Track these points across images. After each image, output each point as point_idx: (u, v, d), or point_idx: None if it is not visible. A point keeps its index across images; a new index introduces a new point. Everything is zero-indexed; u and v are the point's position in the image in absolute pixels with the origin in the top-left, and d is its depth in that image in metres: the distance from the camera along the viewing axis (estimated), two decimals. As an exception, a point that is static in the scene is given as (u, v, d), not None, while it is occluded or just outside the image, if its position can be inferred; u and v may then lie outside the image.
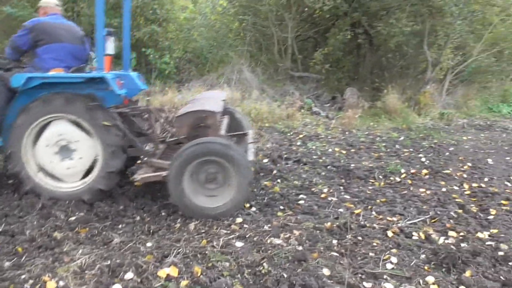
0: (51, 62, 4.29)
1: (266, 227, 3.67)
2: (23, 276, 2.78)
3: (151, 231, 3.60)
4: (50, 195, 4.06)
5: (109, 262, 2.97)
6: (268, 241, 3.38)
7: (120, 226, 3.69)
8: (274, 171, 5.49)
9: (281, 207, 4.26)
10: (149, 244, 3.32)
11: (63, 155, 4.06)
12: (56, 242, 3.28)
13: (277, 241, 3.39)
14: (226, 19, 13.55)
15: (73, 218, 3.73)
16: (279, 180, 5.16)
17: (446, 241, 3.55)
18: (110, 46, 4.56)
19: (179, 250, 3.17)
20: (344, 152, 6.77)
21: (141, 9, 11.90)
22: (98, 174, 4.07)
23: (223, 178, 3.88)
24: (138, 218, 3.86)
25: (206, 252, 3.14)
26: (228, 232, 3.57)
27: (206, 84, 10.58)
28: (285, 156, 6.23)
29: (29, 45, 4.31)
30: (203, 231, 3.60)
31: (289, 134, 7.81)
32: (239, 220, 3.83)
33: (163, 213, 4.04)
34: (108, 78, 3.98)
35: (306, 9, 11.81)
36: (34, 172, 4.10)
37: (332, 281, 2.83)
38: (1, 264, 2.93)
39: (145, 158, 4.29)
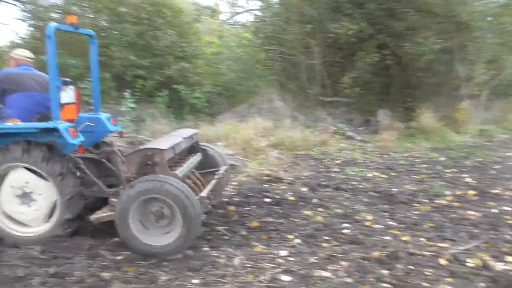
0: (18, 111, 4.41)
1: (312, 259, 3.59)
2: (75, 320, 2.79)
3: (196, 267, 3.57)
4: (14, 241, 4.11)
5: (158, 301, 2.95)
6: (316, 274, 3.29)
7: (165, 263, 3.68)
8: (314, 200, 5.41)
9: (326, 237, 4.16)
10: (195, 281, 3.29)
11: (24, 201, 4.14)
12: (105, 282, 3.30)
13: (325, 273, 3.30)
14: (252, 50, 13.80)
15: (119, 257, 3.75)
16: (320, 209, 5.07)
17: (505, 268, 3.36)
18: (70, 95, 4.55)
19: (226, 286, 3.12)
20: (384, 176, 6.62)
21: (170, 48, 12.28)
22: (56, 220, 4.11)
23: (171, 215, 3.85)
24: (181, 255, 3.84)
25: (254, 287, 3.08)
26: (274, 266, 3.51)
27: (237, 115, 10.69)
28: (324, 183, 6.15)
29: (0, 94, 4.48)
30: (248, 265, 3.54)
31: (325, 161, 7.73)
32: (283, 253, 3.76)
33: (205, 248, 4.01)
34: (60, 128, 4.01)
35: (331, 34, 11.89)
36: (5, 223, 4.19)
37: (388, 315, 2.71)
38: (53, 308, 2.97)
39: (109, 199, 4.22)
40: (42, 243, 4.03)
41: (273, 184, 6.26)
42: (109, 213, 3.98)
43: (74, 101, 4.58)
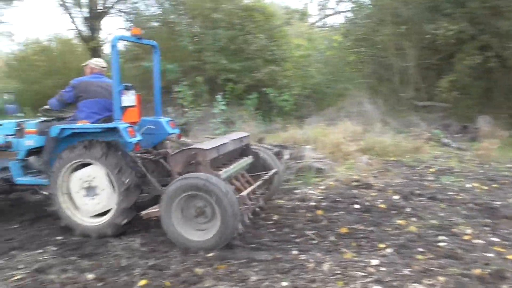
0: (88, 114, 4.92)
1: (405, 271, 3.42)
2: (172, 310, 2.95)
3: (285, 270, 3.59)
4: (80, 230, 4.60)
5: (247, 300, 3.02)
6: (410, 287, 3.14)
7: (254, 263, 3.75)
8: (407, 209, 5.16)
9: (420, 249, 3.95)
10: (284, 284, 3.31)
11: (89, 194, 4.60)
12: (197, 277, 3.45)
13: (420, 287, 3.13)
14: (342, 53, 13.57)
15: (211, 254, 3.90)
16: (413, 219, 4.82)
17: None
18: (131, 99, 4.83)
19: (316, 291, 3.10)
20: (485, 187, 6.11)
21: (260, 51, 12.53)
22: (115, 210, 4.48)
23: (211, 213, 4.00)
24: (270, 256, 3.88)
25: (344, 295, 3.02)
26: (365, 274, 3.40)
27: (325, 119, 10.58)
28: (417, 192, 5.84)
29: (72, 100, 5.01)
30: (338, 272, 3.48)
31: (418, 168, 7.34)
32: (374, 262, 3.64)
33: (294, 252, 4.01)
34: (120, 128, 4.43)
35: (428, 35, 11.28)
36: (70, 209, 4.67)
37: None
38: (153, 297, 3.17)
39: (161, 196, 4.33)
40: (142, 237, 4.38)
41: (362, 190, 6.09)
42: (157, 209, 4.20)
43: (134, 104, 4.90)
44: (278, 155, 7.44)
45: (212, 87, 12.31)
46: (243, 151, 5.35)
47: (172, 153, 4.57)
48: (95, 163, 4.52)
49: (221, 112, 10.23)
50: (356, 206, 5.35)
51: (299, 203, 5.66)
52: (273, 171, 5.27)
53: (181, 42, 11.70)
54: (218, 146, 4.59)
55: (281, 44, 13.30)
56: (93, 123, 4.88)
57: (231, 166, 4.68)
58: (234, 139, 5.08)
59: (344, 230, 4.52)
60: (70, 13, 14.95)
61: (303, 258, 3.84)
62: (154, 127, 5.18)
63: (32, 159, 5.14)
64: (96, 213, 4.65)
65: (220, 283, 3.37)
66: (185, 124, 11.06)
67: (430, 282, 3.21)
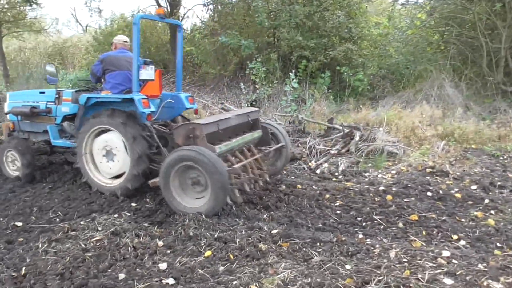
0: (113, 85, 5.42)
1: (480, 266, 3.21)
2: (234, 282, 3.03)
3: (349, 253, 3.53)
4: (97, 188, 5.21)
5: (309, 280, 3.01)
6: (485, 284, 2.94)
7: (318, 244, 3.72)
8: (486, 200, 4.82)
9: (498, 244, 3.69)
10: (348, 267, 3.25)
11: (108, 157, 5.14)
12: (261, 253, 3.50)
13: (497, 285, 2.92)
14: (424, 32, 12.76)
15: (275, 231, 3.93)
16: (492, 212, 4.51)
17: None
18: (150, 73, 5.16)
19: (380, 277, 3.01)
20: None
21: (336, 29, 12.15)
22: (127, 175, 4.93)
23: (205, 183, 4.29)
24: (334, 238, 3.83)
25: (411, 285, 2.91)
26: (434, 265, 3.24)
27: (401, 101, 10.09)
28: (499, 183, 5.42)
29: (100, 72, 5.56)
30: (405, 260, 3.35)
31: (502, 158, 6.79)
32: (446, 253, 3.45)
33: (360, 235, 3.93)
34: (135, 99, 4.86)
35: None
36: (90, 169, 5.27)
37: None
38: (216, 268, 3.27)
39: None
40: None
41: (437, 177, 5.77)
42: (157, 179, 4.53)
43: (153, 78, 5.25)
44: (349, 135, 7.28)
45: (285, 65, 12.20)
46: (252, 125, 5.58)
47: (175, 127, 4.85)
48: (115, 131, 5.00)
49: (292, 90, 10.13)
50: (429, 193, 5.10)
51: (368, 186, 5.52)
52: (279, 145, 5.61)
53: (257, 18, 11.65)
54: (217, 121, 4.88)
55: (359, 22, 12.78)
56: (116, 93, 5.34)
57: (233, 140, 5.00)
58: (239, 114, 5.38)
59: (414, 217, 4.34)
60: (152, -11, 15.48)
61: (368, 242, 3.75)
62: (173, 101, 5.63)
63: (66, 124, 5.72)
64: (112, 175, 5.19)
65: (283, 260, 3.39)
66: (255, 100, 11.12)
67: (509, 280, 2.98)
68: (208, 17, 14.95)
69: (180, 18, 15.69)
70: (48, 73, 5.71)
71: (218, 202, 4.22)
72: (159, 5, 15.80)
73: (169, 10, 15.61)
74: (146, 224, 4.20)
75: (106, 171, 5.22)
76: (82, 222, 4.21)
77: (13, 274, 3.20)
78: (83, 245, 3.67)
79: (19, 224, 4.31)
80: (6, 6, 16.68)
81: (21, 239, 3.95)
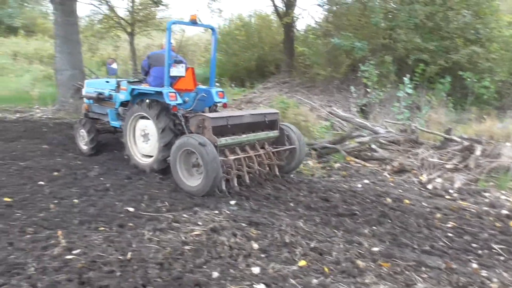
0: (153, 79, 6.33)
1: None
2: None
3: (460, 284, 3.15)
4: (139, 166, 6.20)
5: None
6: None
7: (423, 268, 3.39)
8: None
9: None
10: (456, 300, 2.90)
11: (144, 139, 6.15)
12: (358, 270, 3.29)
13: None
14: None
15: (375, 248, 3.68)
16: None
17: None
18: (180, 70, 6.02)
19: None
20: None
21: (461, 30, 11.16)
22: (154, 157, 5.93)
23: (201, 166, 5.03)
24: (444, 265, 3.46)
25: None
26: None
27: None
28: None
29: (147, 67, 6.50)
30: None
31: None
32: None
33: (474, 265, 3.50)
34: (163, 92, 5.67)
35: None
36: (131, 145, 6.34)
37: None
38: (309, 280, 3.15)
39: None
40: (304, 216, 4.46)
41: None
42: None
43: (183, 74, 6.08)
44: (468, 149, 6.60)
45: (400, 68, 11.54)
46: (269, 125, 6.09)
47: (190, 117, 5.55)
48: (150, 118, 5.91)
49: (406, 96, 9.51)
50: None
51: (488, 208, 4.94)
52: (289, 147, 6.07)
53: (373, 18, 11.18)
54: (227, 116, 5.59)
55: (488, 22, 11.56)
56: (154, 86, 6.19)
57: (243, 136, 5.64)
58: (254, 114, 6.06)
59: (544, 251, 3.75)
60: (269, -11, 15.73)
61: (484, 274, 3.33)
62: (206, 95, 6.43)
63: (121, 108, 6.70)
64: (144, 154, 6.25)
65: (382, 282, 3.15)
66: (365, 105, 10.68)
67: None
68: (322, 18, 14.77)
69: (295, 18, 15.73)
70: (109, 67, 7.07)
71: (208, 185, 4.97)
72: (275, 6, 16.03)
73: (284, 10, 15.76)
74: (243, 224, 4.22)
75: (141, 150, 6.31)
76: (185, 215, 4.39)
77: (120, 257, 3.43)
78: (183, 238, 3.81)
79: (131, 209, 4.62)
80: (140, 7, 18.29)
81: (130, 224, 4.22)
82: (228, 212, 4.55)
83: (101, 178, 5.78)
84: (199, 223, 4.16)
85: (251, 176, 5.61)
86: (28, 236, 3.81)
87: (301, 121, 8.90)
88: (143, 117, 6.15)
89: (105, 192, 5.18)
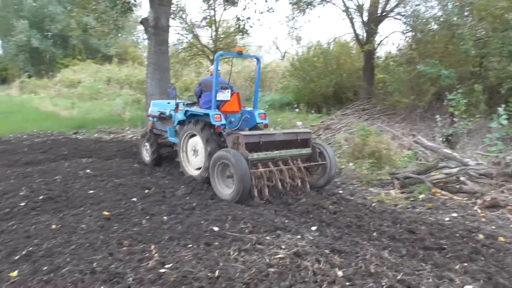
0: (204, 102, 7.23)
1: None
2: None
3: None
4: (187, 175, 7.23)
5: None
6: None
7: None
8: None
9: None
10: None
11: (194, 154, 7.14)
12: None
13: None
14: None
15: (469, 286, 3.48)
16: None
17: None
18: (226, 95, 6.93)
19: None
20: None
21: None
22: (203, 167, 6.77)
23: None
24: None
25: None
26: None
27: None
28: None
29: (199, 93, 7.50)
30: None
31: None
32: None
33: None
34: (210, 114, 6.59)
35: None
36: (185, 161, 7.38)
37: None
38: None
39: None
40: (390, 247, 4.33)
41: None
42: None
43: (228, 99, 6.99)
44: None
45: (491, 97, 10.90)
46: (302, 143, 6.80)
47: (227, 134, 6.42)
48: (198, 135, 6.86)
49: (500, 127, 8.92)
50: None
51: None
52: (319, 163, 6.81)
53: (462, 46, 10.74)
54: (260, 134, 6.42)
55: None
56: (204, 108, 7.04)
57: (275, 152, 6.40)
58: (286, 133, 6.81)
59: None
60: (350, 18, 15.79)
61: None
62: (249, 116, 7.30)
63: (178, 127, 7.67)
64: (196, 168, 7.13)
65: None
66: (451, 135, 10.18)
67: None
68: (405, 45, 14.47)
69: (376, 45, 15.58)
70: (170, 90, 7.93)
71: (239, 193, 5.73)
72: (355, 33, 16.01)
73: (365, 37, 15.68)
74: (327, 251, 4.20)
75: (193, 164, 7.22)
76: (268, 237, 4.46)
77: (209, 274, 3.57)
78: (267, 260, 3.87)
79: (216, 229, 4.80)
80: (222, 35, 19.24)
81: (216, 243, 4.38)
82: (311, 238, 4.55)
83: (187, 198, 6.08)
84: (283, 246, 4.20)
85: (279, 187, 6.30)
86: (124, 248, 4.10)
87: (382, 150, 8.71)
88: (193, 135, 7.13)
89: (191, 211, 5.43)
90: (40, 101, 22.40)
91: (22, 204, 5.50)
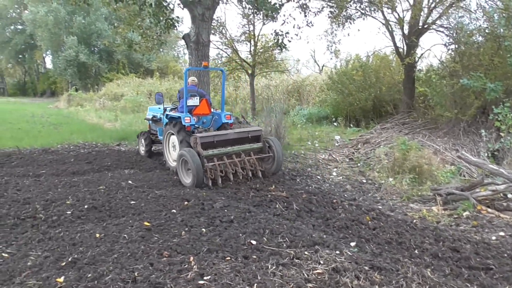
0: (181, 107, 8.85)
1: None
2: None
3: None
4: (169, 166, 9.20)
5: None
6: None
7: None
8: None
9: None
10: None
11: (173, 149, 8.97)
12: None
13: None
14: None
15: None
16: None
17: None
18: (195, 101, 8.75)
19: None
20: None
21: None
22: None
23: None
24: None
25: None
26: None
27: None
28: None
29: (179, 98, 9.28)
30: None
31: None
32: None
33: None
34: (181, 116, 8.34)
35: None
36: (167, 155, 9.34)
37: None
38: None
39: None
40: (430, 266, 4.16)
41: None
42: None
43: (197, 104, 8.75)
44: None
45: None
46: (253, 139, 8.53)
47: (191, 136, 8.05)
48: (175, 134, 8.57)
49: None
50: None
51: None
52: (267, 155, 8.54)
53: (509, 58, 10.36)
54: (214, 135, 8.09)
55: None
56: (181, 112, 8.65)
57: (228, 148, 8.10)
58: (239, 132, 8.43)
59: None
60: (391, 31, 15.56)
61: None
62: (217, 117, 9.00)
63: (165, 128, 9.31)
64: (173, 160, 8.91)
65: None
66: (498, 150, 9.78)
67: None
68: (447, 58, 14.09)
69: (417, 58, 15.26)
70: (157, 97, 9.55)
71: (195, 182, 7.42)
72: (395, 46, 15.78)
73: (405, 50, 15.41)
74: (366, 268, 4.12)
75: (172, 157, 9.08)
76: (306, 252, 4.43)
77: (247, 287, 3.59)
78: (305, 275, 3.85)
79: (254, 242, 4.82)
80: (261, 50, 19.42)
81: (254, 256, 4.40)
82: (350, 254, 4.48)
83: (225, 210, 6.13)
84: (321, 261, 4.16)
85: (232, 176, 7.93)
86: (164, 258, 4.19)
87: (423, 164, 8.49)
88: (172, 134, 8.86)
89: (229, 224, 5.47)
90: (86, 114, 23.38)
91: (69, 212, 5.74)
